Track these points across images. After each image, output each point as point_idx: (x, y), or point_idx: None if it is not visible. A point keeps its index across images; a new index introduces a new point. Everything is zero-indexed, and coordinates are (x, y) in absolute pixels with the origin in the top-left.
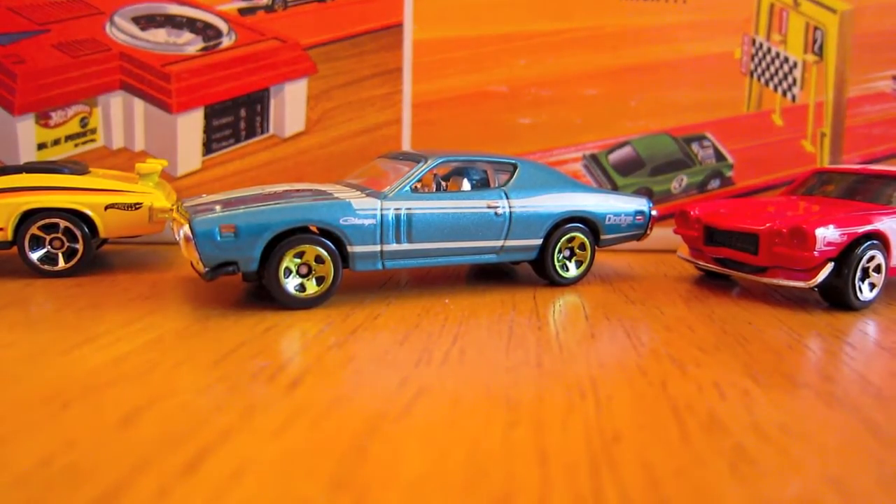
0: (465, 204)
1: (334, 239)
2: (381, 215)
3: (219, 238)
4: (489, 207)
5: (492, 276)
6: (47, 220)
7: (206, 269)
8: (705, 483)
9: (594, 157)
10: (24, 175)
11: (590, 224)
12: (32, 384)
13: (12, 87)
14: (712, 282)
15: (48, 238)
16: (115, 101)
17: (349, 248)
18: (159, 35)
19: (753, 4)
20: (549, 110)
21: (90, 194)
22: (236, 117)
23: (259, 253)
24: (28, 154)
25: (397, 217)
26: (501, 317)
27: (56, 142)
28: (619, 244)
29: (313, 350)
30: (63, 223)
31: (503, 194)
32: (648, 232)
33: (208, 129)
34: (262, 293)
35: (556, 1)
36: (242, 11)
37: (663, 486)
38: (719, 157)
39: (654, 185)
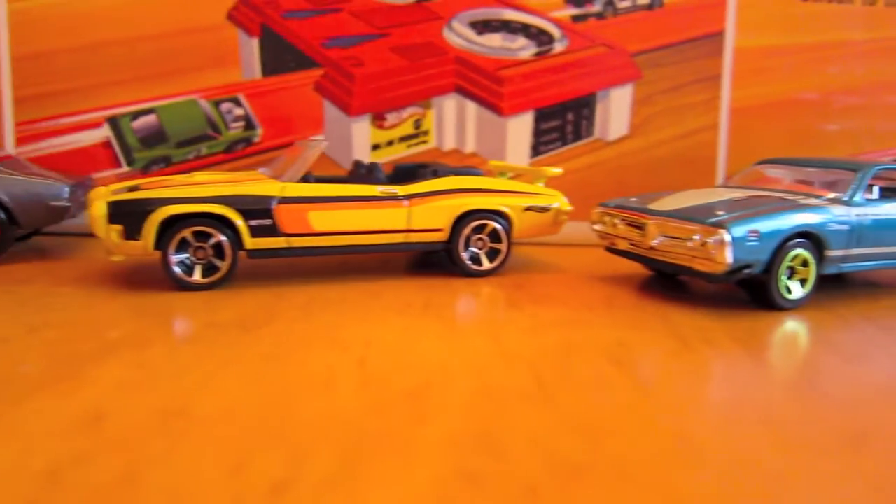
0: None
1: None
2: (852, 221)
3: (747, 242)
4: None
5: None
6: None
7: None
8: None
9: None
10: (456, 178)
11: None
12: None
13: (349, 88)
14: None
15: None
16: (449, 104)
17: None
18: (494, 40)
19: None
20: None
21: (509, 196)
22: (563, 121)
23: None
24: (361, 155)
25: (861, 223)
26: None
27: (390, 143)
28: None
29: None
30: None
31: None
32: None
33: (536, 132)
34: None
35: (870, 10)
36: (575, 18)
37: None
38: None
39: None
